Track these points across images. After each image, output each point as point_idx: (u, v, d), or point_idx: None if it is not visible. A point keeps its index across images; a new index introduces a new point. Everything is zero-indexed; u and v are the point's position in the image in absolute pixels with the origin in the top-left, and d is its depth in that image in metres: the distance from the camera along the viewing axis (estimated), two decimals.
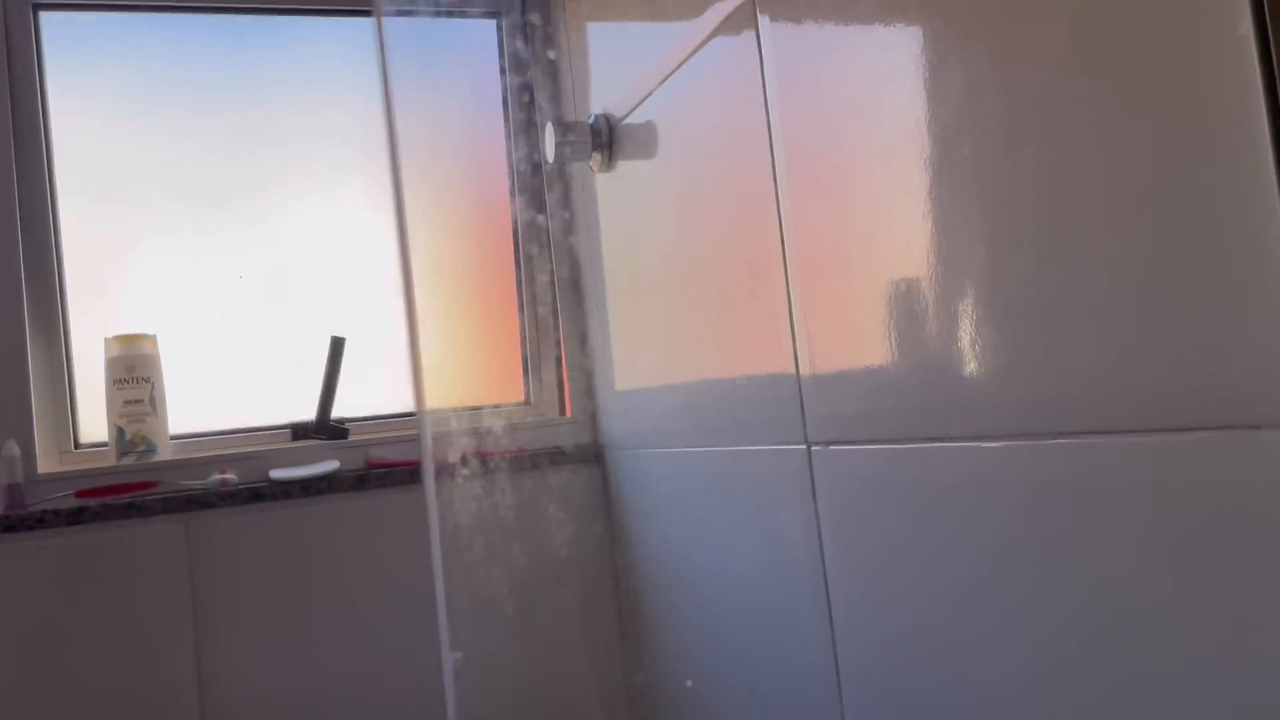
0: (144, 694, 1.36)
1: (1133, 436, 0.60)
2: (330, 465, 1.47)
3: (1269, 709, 0.55)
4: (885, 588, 0.89)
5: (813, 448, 0.97)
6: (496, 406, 1.67)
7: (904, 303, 0.82)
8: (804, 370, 0.98)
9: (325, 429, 1.53)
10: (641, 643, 1.49)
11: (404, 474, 1.49)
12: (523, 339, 1.69)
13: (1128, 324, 0.61)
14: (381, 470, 1.48)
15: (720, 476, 1.18)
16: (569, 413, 1.65)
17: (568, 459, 1.58)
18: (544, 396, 1.69)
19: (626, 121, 1.37)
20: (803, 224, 0.96)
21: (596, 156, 1.43)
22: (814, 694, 1.03)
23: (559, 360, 1.68)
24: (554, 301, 1.68)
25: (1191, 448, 0.57)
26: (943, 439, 0.77)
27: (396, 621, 1.47)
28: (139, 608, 1.37)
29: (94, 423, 1.49)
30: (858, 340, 0.89)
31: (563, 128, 1.43)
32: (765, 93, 1.00)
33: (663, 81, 1.25)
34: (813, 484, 0.97)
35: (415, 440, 1.54)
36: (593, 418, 1.63)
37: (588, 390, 1.64)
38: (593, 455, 1.59)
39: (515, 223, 1.69)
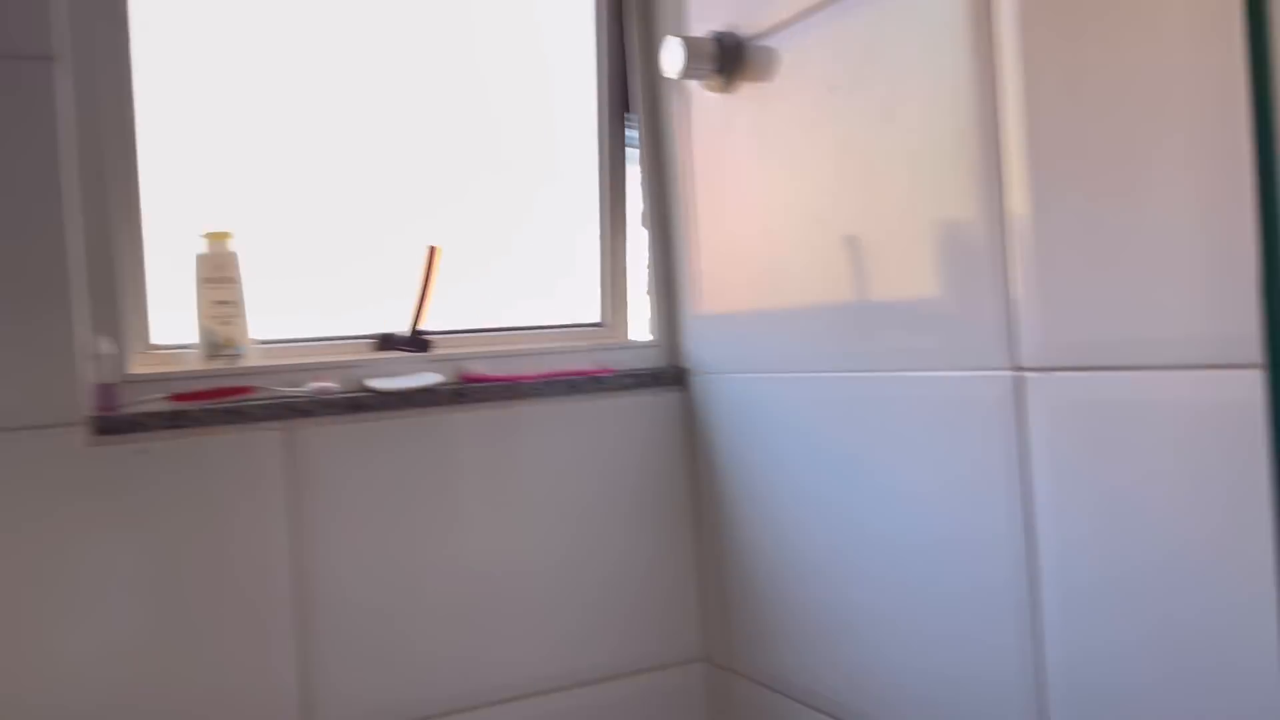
0: (241, 599, 1.31)
1: None
2: (431, 378, 1.43)
3: None
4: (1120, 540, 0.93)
5: (1027, 374, 1.00)
6: (568, 327, 1.65)
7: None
8: (1014, 288, 1.00)
9: (415, 341, 1.48)
10: (729, 584, 1.51)
11: (499, 389, 1.46)
12: (602, 257, 1.66)
13: None
14: (479, 385, 1.45)
15: (887, 404, 1.19)
16: (635, 336, 1.65)
17: (650, 382, 1.57)
18: (616, 318, 1.67)
19: (760, 43, 1.36)
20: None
21: (718, 78, 1.42)
22: (1005, 691, 1.06)
23: (615, 277, 1.66)
24: (621, 219, 1.66)
25: None
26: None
27: (503, 531, 1.46)
28: (237, 514, 1.31)
29: (162, 323, 1.41)
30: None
31: (686, 43, 1.40)
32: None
33: (820, 5, 1.24)
34: (1020, 417, 1.00)
35: (507, 357, 1.51)
36: (669, 340, 1.62)
37: (668, 312, 1.63)
38: (673, 379, 1.59)
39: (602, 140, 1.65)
